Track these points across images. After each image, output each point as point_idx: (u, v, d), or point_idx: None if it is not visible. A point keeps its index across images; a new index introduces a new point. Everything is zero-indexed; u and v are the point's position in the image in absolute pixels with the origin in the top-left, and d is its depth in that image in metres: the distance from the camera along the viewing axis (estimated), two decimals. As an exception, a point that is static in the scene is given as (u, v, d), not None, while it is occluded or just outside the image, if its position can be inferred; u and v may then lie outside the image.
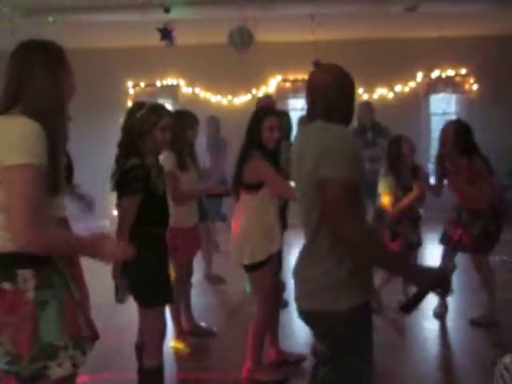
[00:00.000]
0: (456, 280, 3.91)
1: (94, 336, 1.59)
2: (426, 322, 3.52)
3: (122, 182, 2.15)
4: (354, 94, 1.67)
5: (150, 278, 2.17)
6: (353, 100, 1.66)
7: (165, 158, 2.85)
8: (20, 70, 1.44)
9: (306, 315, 1.66)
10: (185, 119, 3.10)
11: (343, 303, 1.54)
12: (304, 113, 4.89)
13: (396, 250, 3.36)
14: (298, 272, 1.68)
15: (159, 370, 2.27)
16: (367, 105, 5.26)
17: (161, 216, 2.28)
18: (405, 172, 3.40)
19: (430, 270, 1.60)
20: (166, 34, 4.62)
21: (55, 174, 1.41)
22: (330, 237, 1.52)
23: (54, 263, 1.48)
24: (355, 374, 1.60)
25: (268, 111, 2.73)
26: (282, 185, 2.55)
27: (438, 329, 3.45)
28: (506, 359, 1.63)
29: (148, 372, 2.24)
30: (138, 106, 2.27)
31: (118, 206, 2.19)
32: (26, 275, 1.39)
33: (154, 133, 2.21)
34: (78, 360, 1.48)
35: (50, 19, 4.51)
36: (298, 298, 1.68)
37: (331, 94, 1.59)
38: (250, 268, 2.61)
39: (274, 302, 2.76)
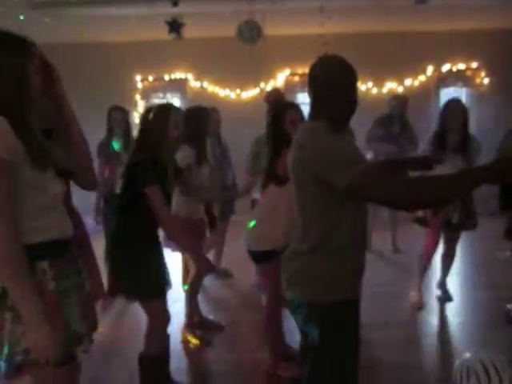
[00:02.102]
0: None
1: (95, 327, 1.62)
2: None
3: (135, 176, 2.20)
4: (344, 88, 1.57)
5: (140, 271, 2.19)
6: (343, 95, 1.57)
7: (185, 153, 2.91)
8: None
9: (291, 305, 1.67)
10: (204, 114, 3.16)
11: (327, 296, 1.55)
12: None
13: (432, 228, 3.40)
14: (287, 261, 1.69)
15: (159, 360, 2.28)
16: (402, 98, 5.13)
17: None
18: None
19: (487, 164, 1.40)
20: (174, 26, 4.59)
21: (33, 151, 1.37)
22: (322, 228, 1.53)
23: (69, 252, 1.51)
24: (336, 370, 1.59)
25: (289, 104, 2.73)
26: None
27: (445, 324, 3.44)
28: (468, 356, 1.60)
29: (147, 360, 2.27)
30: (149, 108, 2.38)
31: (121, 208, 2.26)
32: (43, 266, 1.41)
33: (167, 131, 2.27)
34: (87, 348, 1.52)
35: (21, 17, 4.46)
36: (285, 288, 1.69)
37: (319, 87, 1.57)
38: (261, 256, 2.62)
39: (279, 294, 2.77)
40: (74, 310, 1.46)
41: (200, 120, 3.07)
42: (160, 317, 2.28)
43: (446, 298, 3.79)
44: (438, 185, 1.40)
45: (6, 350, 1.36)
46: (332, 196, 1.49)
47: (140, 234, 2.25)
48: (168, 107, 2.40)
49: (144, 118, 2.35)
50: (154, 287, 2.23)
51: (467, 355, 1.63)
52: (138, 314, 2.35)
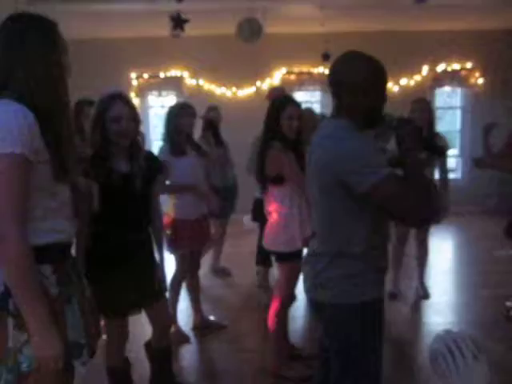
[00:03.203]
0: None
1: (98, 334, 1.56)
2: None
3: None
4: (376, 91, 1.52)
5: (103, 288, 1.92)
6: (374, 98, 1.53)
7: (160, 149, 3.04)
8: (8, 46, 1.29)
9: (317, 306, 1.65)
10: (176, 110, 3.12)
11: (356, 297, 1.54)
12: (306, 107, 4.86)
13: None
14: (311, 263, 1.66)
15: (114, 372, 2.22)
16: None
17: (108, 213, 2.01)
18: None
19: None
20: (178, 22, 4.53)
21: (57, 161, 1.30)
22: (347, 230, 1.51)
23: (71, 258, 1.44)
24: (363, 370, 1.59)
25: (287, 100, 2.65)
26: (297, 177, 2.47)
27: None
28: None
29: (108, 371, 2.22)
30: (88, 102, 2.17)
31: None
32: (46, 271, 1.33)
33: (103, 123, 2.01)
34: (86, 360, 1.41)
35: None
36: (309, 289, 1.66)
37: (349, 88, 1.51)
38: (280, 257, 2.61)
39: (290, 296, 2.76)
40: (76, 318, 1.38)
41: (172, 116, 3.07)
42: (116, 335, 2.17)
43: (423, 294, 3.83)
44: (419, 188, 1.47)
45: (10, 360, 1.27)
46: (355, 198, 1.47)
47: None
48: (116, 95, 2.12)
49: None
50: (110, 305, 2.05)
51: (436, 338, 1.76)
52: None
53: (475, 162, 3.21)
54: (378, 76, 1.52)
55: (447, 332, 1.76)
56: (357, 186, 1.43)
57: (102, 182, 1.95)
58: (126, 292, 2.04)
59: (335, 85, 1.55)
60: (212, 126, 4.04)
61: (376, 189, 1.40)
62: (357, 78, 1.50)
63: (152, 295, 2.18)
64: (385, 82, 1.55)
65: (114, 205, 2.00)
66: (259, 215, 3.34)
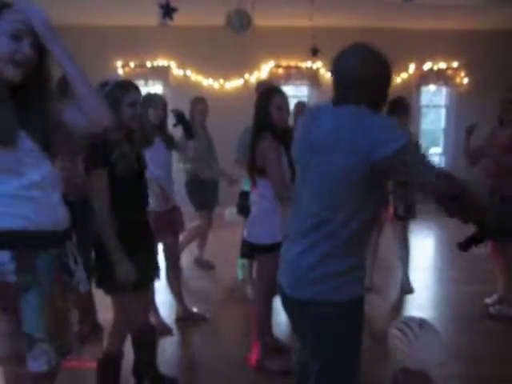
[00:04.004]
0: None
1: (91, 331, 1.53)
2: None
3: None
4: (382, 84, 1.53)
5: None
6: (379, 91, 1.54)
7: None
8: None
9: (300, 304, 1.59)
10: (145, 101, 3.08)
11: (344, 294, 1.51)
12: (299, 100, 4.82)
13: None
14: (294, 259, 1.59)
15: (114, 359, 2.22)
16: None
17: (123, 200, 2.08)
18: None
19: None
20: (167, 11, 4.46)
21: None
22: (339, 225, 1.48)
23: (41, 247, 1.38)
24: (345, 367, 1.59)
25: (275, 90, 2.64)
26: (277, 179, 2.44)
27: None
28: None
29: (102, 359, 2.22)
30: (102, 84, 2.14)
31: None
32: (4, 257, 1.30)
33: (120, 109, 2.07)
34: (52, 358, 1.37)
35: None
36: (292, 286, 1.60)
37: (354, 81, 1.48)
38: (259, 249, 2.61)
39: (275, 287, 2.76)
40: (33, 310, 1.33)
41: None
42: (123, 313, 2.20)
43: (406, 290, 3.87)
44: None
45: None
46: (368, 191, 1.46)
47: None
48: (127, 82, 2.25)
49: None
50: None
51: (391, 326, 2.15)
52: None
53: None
54: (389, 71, 1.52)
55: (399, 320, 2.03)
56: (383, 150, 1.38)
57: (123, 166, 2.03)
58: (145, 265, 2.14)
59: (342, 78, 1.51)
60: (181, 119, 3.83)
61: (404, 151, 1.39)
62: (369, 73, 1.48)
63: (155, 272, 2.30)
64: (391, 78, 1.54)
65: (128, 188, 2.10)
66: (245, 208, 3.33)
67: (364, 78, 1.47)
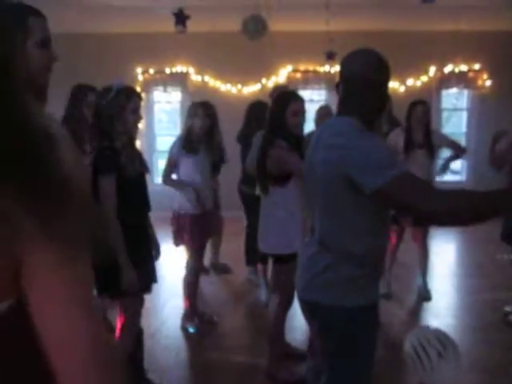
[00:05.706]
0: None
1: None
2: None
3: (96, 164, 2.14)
4: (381, 87, 1.52)
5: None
6: (379, 95, 1.53)
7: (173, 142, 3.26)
8: None
9: (310, 307, 1.62)
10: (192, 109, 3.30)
11: (348, 300, 1.51)
12: (321, 104, 4.77)
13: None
14: (308, 263, 1.62)
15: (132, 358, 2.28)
16: None
17: (130, 202, 2.16)
18: None
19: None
20: (180, 18, 4.53)
21: None
22: (349, 233, 1.48)
23: None
24: (354, 373, 1.57)
25: (292, 95, 2.62)
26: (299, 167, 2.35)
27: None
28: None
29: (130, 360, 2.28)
30: (106, 90, 2.21)
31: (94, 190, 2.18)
32: None
33: (124, 115, 2.16)
34: None
35: None
36: (303, 289, 1.63)
37: (355, 85, 1.49)
38: (281, 260, 2.58)
39: (292, 297, 2.70)
40: None
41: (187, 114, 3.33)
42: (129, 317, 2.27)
43: (424, 296, 3.82)
44: (477, 202, 1.30)
45: None
46: (360, 199, 1.42)
47: None
48: (130, 89, 2.31)
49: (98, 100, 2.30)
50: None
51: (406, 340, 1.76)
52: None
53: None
54: (388, 73, 1.52)
55: (413, 334, 1.76)
56: (366, 183, 1.35)
57: (131, 170, 2.14)
58: (149, 268, 2.27)
59: (347, 81, 1.53)
60: None
61: (391, 185, 1.31)
62: (371, 75, 1.48)
63: (154, 275, 2.34)
64: (389, 77, 1.54)
65: (135, 191, 2.21)
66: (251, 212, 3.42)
67: (366, 81, 1.49)
